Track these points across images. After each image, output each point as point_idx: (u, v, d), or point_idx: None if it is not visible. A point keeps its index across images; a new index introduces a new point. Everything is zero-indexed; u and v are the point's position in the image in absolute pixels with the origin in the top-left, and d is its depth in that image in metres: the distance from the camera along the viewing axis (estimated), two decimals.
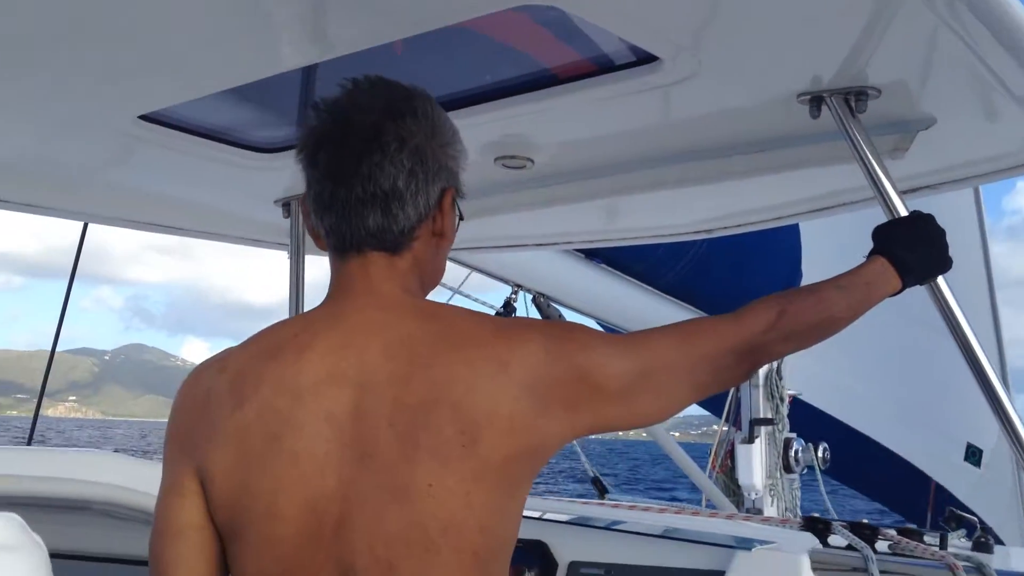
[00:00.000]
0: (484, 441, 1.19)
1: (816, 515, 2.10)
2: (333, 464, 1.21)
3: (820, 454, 4.04)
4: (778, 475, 4.03)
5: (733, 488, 4.17)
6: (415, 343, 1.25)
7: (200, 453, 1.27)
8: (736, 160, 1.86)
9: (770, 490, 4.00)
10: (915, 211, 1.61)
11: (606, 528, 2.16)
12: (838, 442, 4.63)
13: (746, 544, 1.83)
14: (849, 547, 1.82)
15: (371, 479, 1.19)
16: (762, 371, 4.07)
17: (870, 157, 1.61)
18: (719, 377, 1.40)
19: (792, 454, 4.01)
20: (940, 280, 1.61)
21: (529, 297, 3.75)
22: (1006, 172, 1.72)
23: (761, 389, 4.12)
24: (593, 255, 3.75)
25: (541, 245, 2.83)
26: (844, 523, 1.95)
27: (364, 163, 1.29)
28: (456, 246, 1.49)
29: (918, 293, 1.63)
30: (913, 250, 1.55)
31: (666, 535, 2.01)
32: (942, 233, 1.57)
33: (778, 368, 4.11)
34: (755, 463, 4.02)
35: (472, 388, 1.21)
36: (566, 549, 2.05)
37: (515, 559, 2.05)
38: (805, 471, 4.05)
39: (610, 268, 3.84)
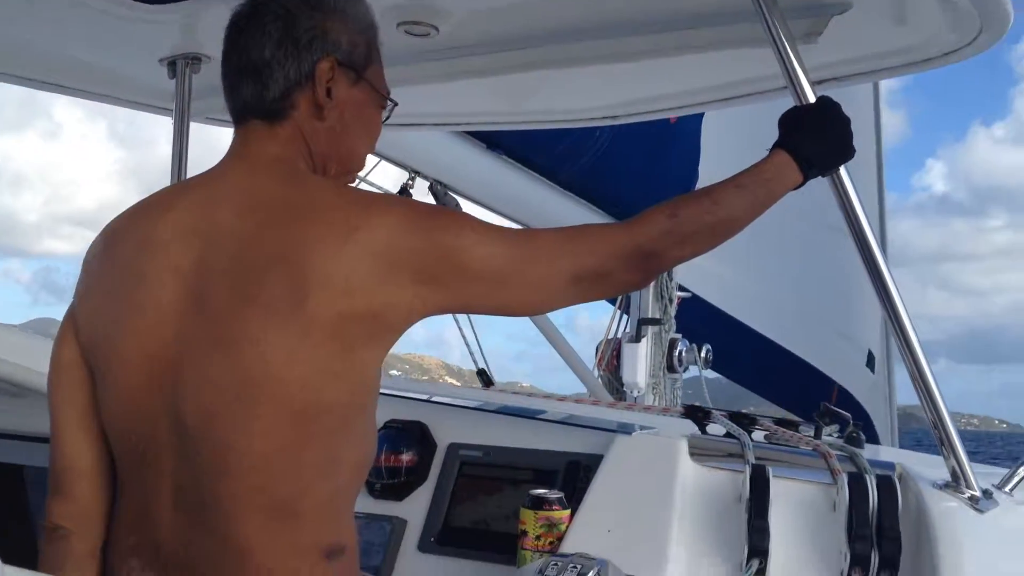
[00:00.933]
0: (314, 299, 1.20)
1: (697, 404, 2.13)
2: (174, 315, 1.26)
3: (703, 355, 4.13)
4: (661, 374, 4.10)
5: (617, 385, 4.23)
6: (269, 205, 1.27)
7: (76, 303, 1.38)
8: (647, 39, 1.80)
9: (652, 388, 4.08)
10: (822, 95, 1.59)
11: (486, 411, 2.14)
12: (737, 343, 4.73)
13: (626, 428, 1.83)
14: (728, 435, 1.85)
15: (203, 331, 1.24)
16: None
17: (784, 40, 1.58)
18: (607, 282, 1.40)
19: (676, 354, 4.09)
20: (842, 171, 1.60)
21: (426, 185, 3.68)
22: (915, 66, 1.72)
23: (651, 290, 4.16)
24: (495, 146, 3.68)
25: (442, 125, 2.74)
26: (724, 412, 1.98)
27: (242, 37, 1.37)
28: None
29: (831, 197, 1.62)
30: (817, 139, 1.54)
31: (547, 418, 2.01)
32: (847, 121, 1.57)
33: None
34: (640, 362, 4.08)
35: (312, 249, 1.21)
36: (445, 431, 2.03)
37: (393, 440, 2.04)
38: (687, 370, 4.14)
39: (511, 160, 3.78)
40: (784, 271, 5.02)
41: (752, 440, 1.87)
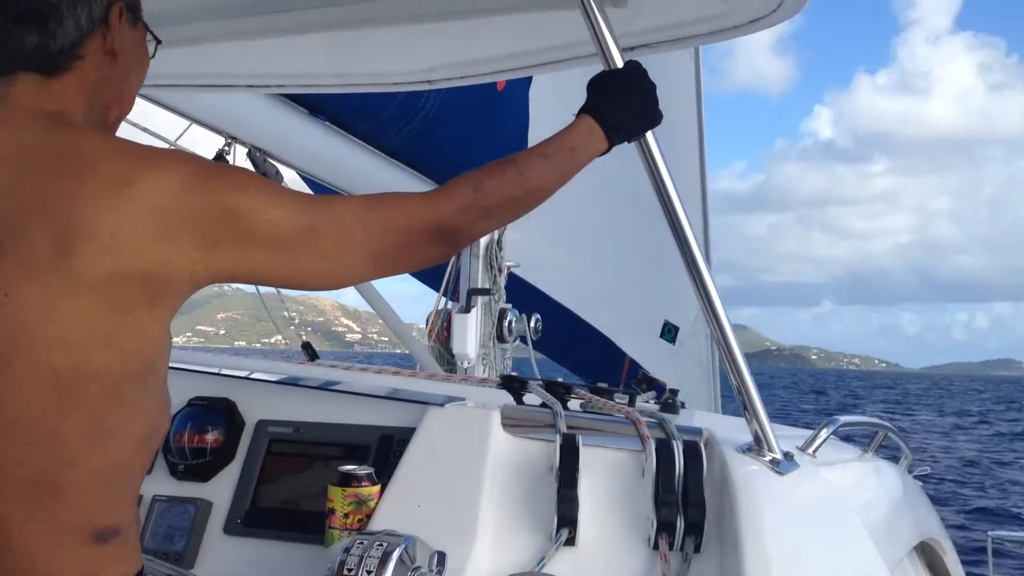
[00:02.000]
0: (78, 255, 1.10)
1: (514, 374, 2.11)
2: None
3: (532, 324, 4.14)
4: (491, 344, 4.09)
5: (448, 357, 4.20)
6: (33, 155, 1.17)
7: None
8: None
9: (483, 359, 4.06)
10: (629, 60, 1.58)
11: (298, 385, 2.06)
12: (545, 316, 4.77)
13: (439, 401, 1.79)
14: (543, 405, 1.83)
15: None
16: (482, 242, 4.09)
17: (592, 4, 1.56)
18: (408, 254, 1.34)
19: (506, 324, 4.08)
20: (650, 138, 1.59)
21: (244, 152, 3.52)
22: (723, 33, 1.72)
23: (481, 260, 4.14)
24: (317, 111, 3.55)
25: (252, 87, 2.61)
26: (540, 382, 1.97)
27: None
28: (153, 81, 1.39)
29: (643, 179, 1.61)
30: (622, 105, 1.52)
31: (359, 392, 1.94)
32: (653, 87, 1.55)
33: (499, 239, 4.13)
34: (470, 333, 4.05)
35: (79, 202, 1.12)
36: (254, 407, 1.94)
37: (197, 418, 1.93)
38: (517, 341, 4.14)
39: (335, 126, 3.66)
40: (582, 242, 5.10)
41: (568, 409, 1.87)
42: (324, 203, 1.33)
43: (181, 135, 3.43)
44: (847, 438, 2.72)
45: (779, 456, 1.61)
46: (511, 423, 1.72)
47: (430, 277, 4.60)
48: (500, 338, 4.11)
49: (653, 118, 1.56)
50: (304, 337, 4.20)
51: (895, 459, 2.87)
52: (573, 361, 5.66)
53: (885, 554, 1.82)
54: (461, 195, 1.36)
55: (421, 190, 1.49)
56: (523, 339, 4.23)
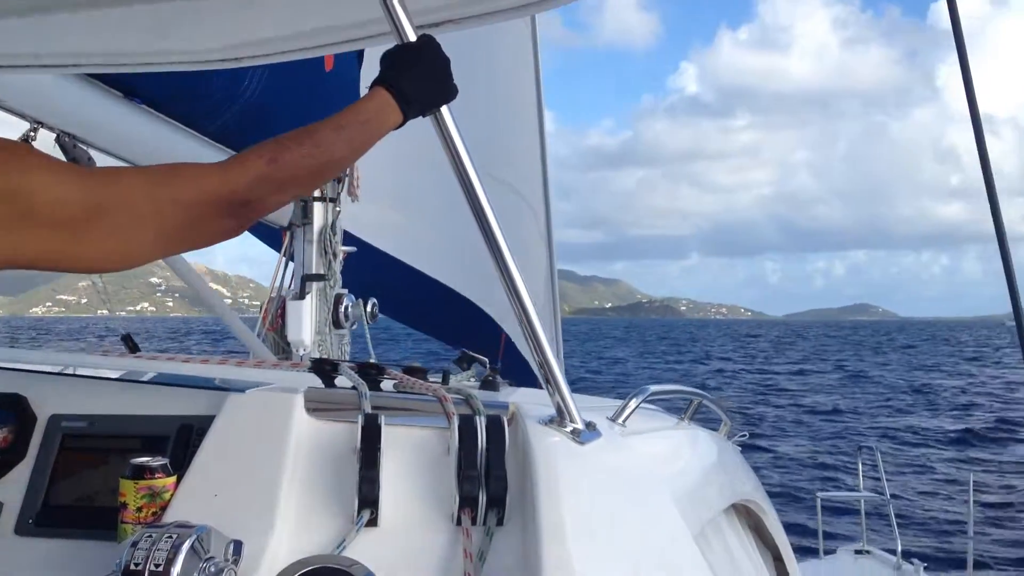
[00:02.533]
0: None
1: (326, 358, 2.07)
2: None
3: (369, 309, 4.10)
4: (327, 330, 4.03)
5: (283, 345, 4.11)
6: None
7: None
8: None
9: (319, 346, 4.00)
10: (423, 35, 1.57)
11: (96, 378, 1.97)
12: (414, 291, 4.73)
13: (241, 387, 1.74)
14: (354, 388, 1.81)
15: None
16: (316, 226, 4.02)
17: None
18: (200, 229, 1.30)
19: (342, 310, 4.03)
20: (445, 113, 1.59)
21: (52, 137, 3.34)
22: (524, 9, 1.73)
23: (315, 245, 4.07)
24: (132, 93, 3.40)
25: (49, 67, 2.47)
26: (352, 364, 1.94)
27: None
28: None
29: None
30: (415, 77, 1.51)
31: (158, 381, 1.87)
32: (447, 60, 1.56)
33: (332, 224, 4.07)
34: (304, 319, 3.98)
35: None
36: (48, 401, 1.84)
37: None
38: (355, 326, 4.09)
39: (153, 110, 3.52)
40: (458, 219, 5.09)
41: (381, 390, 1.85)
42: (110, 178, 1.28)
43: None
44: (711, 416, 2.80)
45: (580, 427, 1.64)
46: (315, 406, 1.69)
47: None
48: (336, 324, 4.06)
49: (447, 92, 1.56)
50: (171, 304, 4.05)
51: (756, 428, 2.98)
52: (449, 334, 5.62)
53: (691, 518, 1.87)
54: (254, 167, 1.33)
55: None
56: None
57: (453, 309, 5.13)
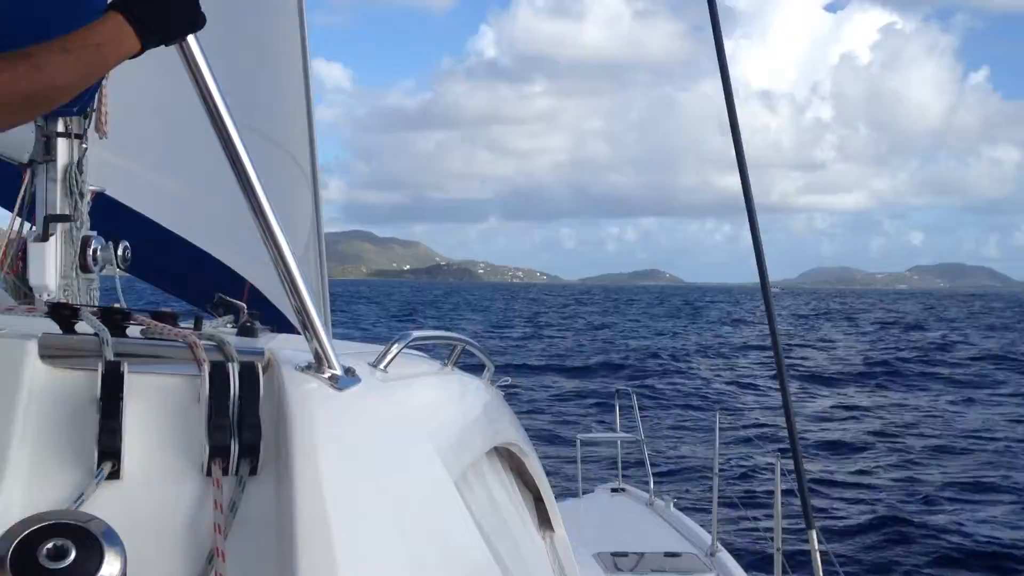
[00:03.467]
0: None
1: (65, 302, 1.93)
2: None
3: (120, 252, 3.86)
4: (74, 275, 3.76)
5: (25, 290, 3.81)
6: None
7: None
8: None
9: (64, 291, 3.73)
10: None
11: None
12: (148, 241, 4.46)
13: None
14: (95, 334, 1.69)
15: None
16: (60, 163, 3.74)
17: None
18: None
19: (90, 253, 3.77)
20: (192, 45, 1.49)
21: None
22: None
23: (59, 184, 3.78)
24: None
25: None
26: (95, 309, 1.81)
27: None
28: None
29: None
30: (155, 2, 1.40)
31: None
32: None
33: (79, 162, 3.79)
34: (48, 262, 3.70)
35: None
36: None
37: None
38: (104, 269, 3.84)
39: None
40: (201, 167, 4.86)
41: (127, 336, 1.74)
42: None
43: None
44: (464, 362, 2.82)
45: (339, 372, 1.61)
46: (51, 353, 1.56)
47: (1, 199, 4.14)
48: (84, 268, 3.80)
49: (193, 20, 1.45)
50: None
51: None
52: (186, 289, 5.38)
53: (452, 463, 1.89)
54: None
55: None
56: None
57: (190, 261, 4.89)
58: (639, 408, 8.08)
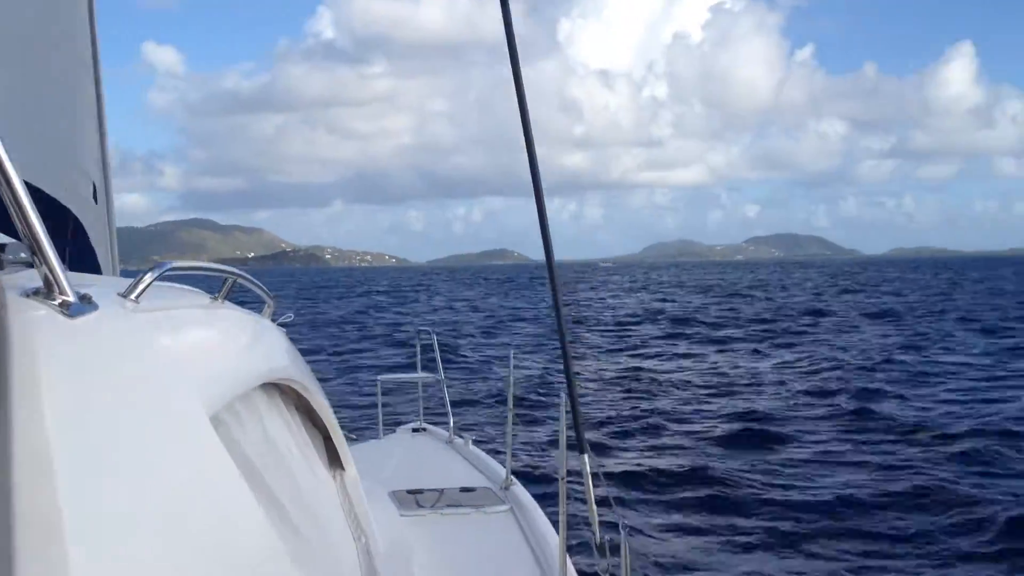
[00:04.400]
0: None
1: None
2: None
3: None
4: None
5: None
6: None
7: None
8: None
9: None
10: None
11: None
12: None
13: None
14: None
15: None
16: None
17: None
18: None
19: None
20: None
21: None
22: None
23: None
24: None
25: None
26: None
27: None
28: None
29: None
30: None
31: None
32: None
33: None
34: None
35: None
36: None
37: None
38: None
39: None
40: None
41: None
42: None
43: None
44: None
45: (72, 299, 1.47)
46: None
47: None
48: None
49: None
50: None
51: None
52: None
53: (210, 393, 1.79)
54: None
55: None
56: None
57: None
58: (439, 349, 8.10)
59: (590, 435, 14.06)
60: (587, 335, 34.26)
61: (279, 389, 2.91)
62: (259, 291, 2.84)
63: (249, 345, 2.35)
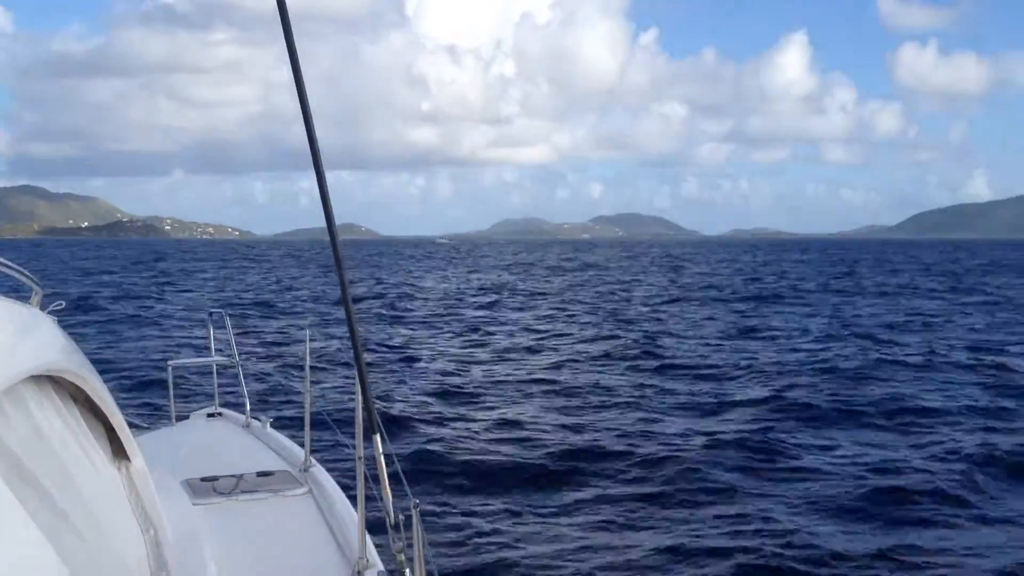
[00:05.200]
0: None
1: None
2: None
3: None
4: None
5: None
6: None
7: None
8: None
9: None
10: None
11: None
12: None
13: None
14: None
15: None
16: None
17: None
18: None
19: None
20: None
21: None
22: None
23: None
24: None
25: None
26: None
27: None
28: None
29: None
30: None
31: None
32: None
33: None
34: None
35: None
36: None
37: None
38: None
39: None
40: None
41: None
42: None
43: None
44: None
45: None
46: None
47: None
48: None
49: None
50: None
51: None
52: None
53: None
54: None
55: None
56: None
57: None
58: (233, 329, 7.86)
59: (395, 413, 14.21)
60: (385, 312, 34.21)
61: (53, 381, 2.76)
62: (27, 280, 2.68)
63: (12, 337, 2.22)
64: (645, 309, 35.38)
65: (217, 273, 69.80)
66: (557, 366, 20.13)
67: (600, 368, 19.67)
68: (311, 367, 5.82)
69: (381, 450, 3.29)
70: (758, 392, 16.47)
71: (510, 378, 18.41)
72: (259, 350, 22.36)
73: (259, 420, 7.11)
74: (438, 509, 9.76)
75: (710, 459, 11.60)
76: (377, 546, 4.05)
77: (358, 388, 3.53)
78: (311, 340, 5.76)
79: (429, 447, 12.26)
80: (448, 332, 27.66)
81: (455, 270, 76.88)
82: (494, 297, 42.75)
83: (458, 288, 50.91)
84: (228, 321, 7.75)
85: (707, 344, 23.77)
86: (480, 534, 9.10)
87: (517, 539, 9.00)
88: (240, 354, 8.00)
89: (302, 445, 5.72)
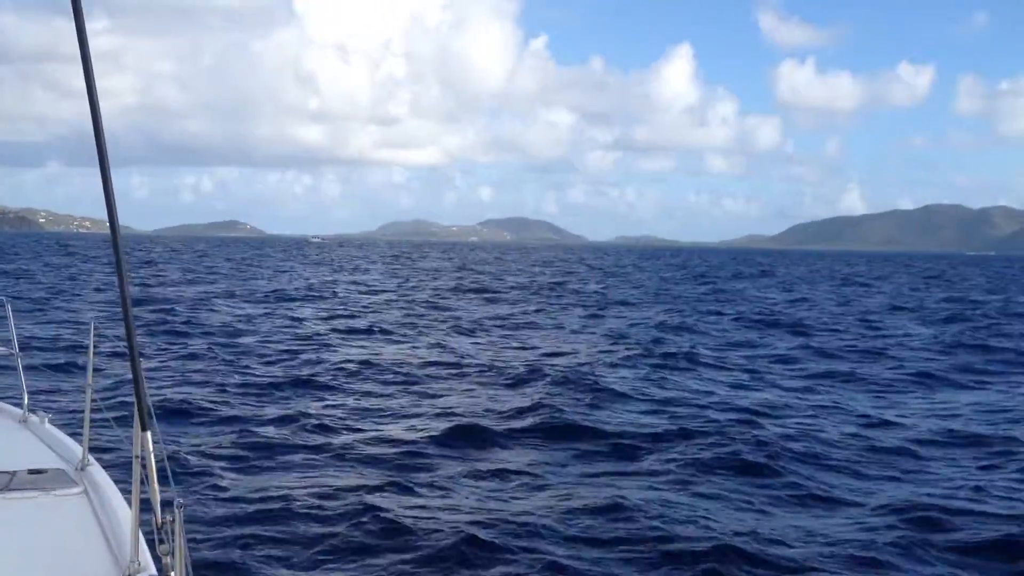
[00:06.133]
0: None
1: None
2: None
3: None
4: None
5: None
6: None
7: None
8: None
9: None
10: None
11: None
12: None
13: None
14: None
15: None
16: None
17: None
18: None
19: None
20: None
21: None
22: None
23: None
24: None
25: None
26: None
27: None
28: None
29: None
30: None
31: None
32: None
33: None
34: None
35: None
36: None
37: None
38: None
39: None
40: None
41: None
42: None
43: None
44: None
45: None
46: None
47: None
48: None
49: None
50: None
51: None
52: None
53: None
54: None
55: None
56: None
57: None
58: (13, 319, 7.43)
59: (173, 408, 13.74)
60: (182, 309, 33.05)
61: None
62: None
63: None
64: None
65: (26, 265, 65.59)
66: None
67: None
68: (95, 364, 5.58)
69: (151, 448, 3.22)
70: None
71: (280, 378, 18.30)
72: (43, 342, 21.16)
73: (37, 415, 6.75)
74: (212, 508, 9.59)
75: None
76: (152, 547, 3.95)
77: (134, 385, 3.43)
78: (95, 332, 5.52)
79: (204, 447, 12.08)
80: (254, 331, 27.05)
81: (304, 271, 74.86)
82: (307, 295, 41.99)
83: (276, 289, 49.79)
84: (9, 310, 7.33)
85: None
86: (250, 537, 8.97)
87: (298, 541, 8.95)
88: (23, 346, 7.57)
89: (81, 442, 5.48)
